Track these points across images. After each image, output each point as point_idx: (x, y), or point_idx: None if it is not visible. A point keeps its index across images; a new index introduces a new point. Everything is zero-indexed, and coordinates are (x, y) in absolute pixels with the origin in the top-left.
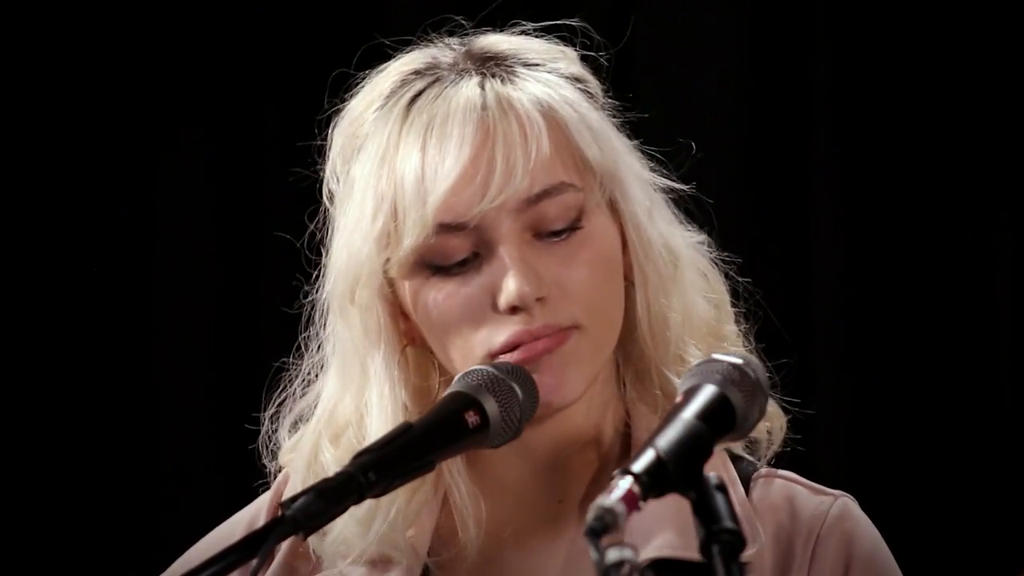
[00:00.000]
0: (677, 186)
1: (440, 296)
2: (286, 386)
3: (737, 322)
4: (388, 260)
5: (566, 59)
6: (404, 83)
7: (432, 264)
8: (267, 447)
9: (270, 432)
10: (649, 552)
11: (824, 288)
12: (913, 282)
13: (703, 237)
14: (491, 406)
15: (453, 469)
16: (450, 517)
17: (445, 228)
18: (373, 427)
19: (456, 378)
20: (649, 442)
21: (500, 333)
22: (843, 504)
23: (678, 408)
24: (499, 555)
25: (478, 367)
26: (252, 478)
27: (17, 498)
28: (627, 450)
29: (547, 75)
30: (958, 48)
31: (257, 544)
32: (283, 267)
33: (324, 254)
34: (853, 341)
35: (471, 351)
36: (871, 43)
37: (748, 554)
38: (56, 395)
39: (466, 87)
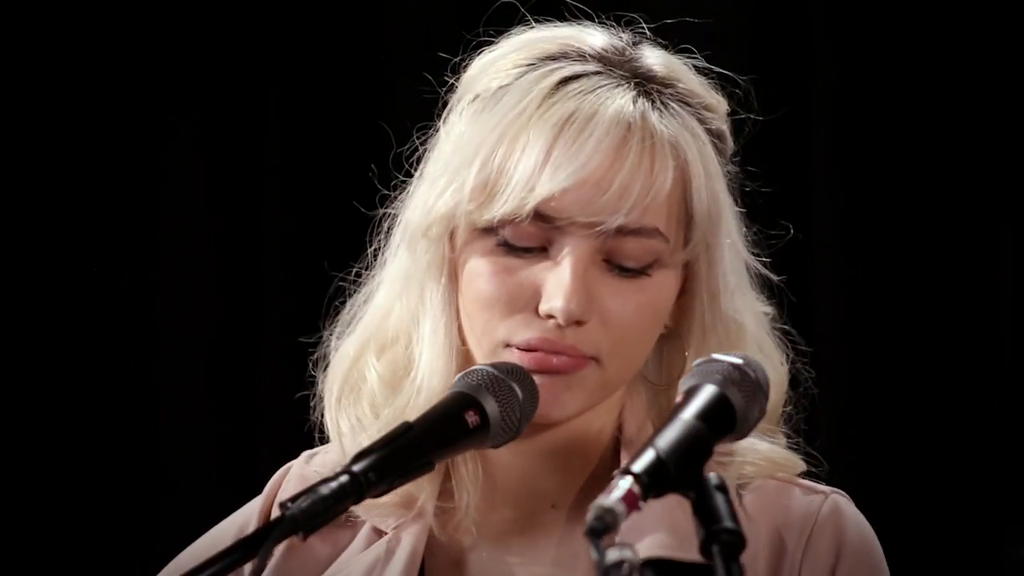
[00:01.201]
0: (768, 273)
1: (493, 268)
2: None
3: (786, 404)
4: (469, 212)
5: (715, 111)
6: (566, 56)
7: (503, 236)
8: (321, 367)
9: (325, 352)
10: (640, 552)
11: (824, 295)
12: (912, 286)
13: (770, 311)
14: (491, 406)
15: None
16: (449, 489)
17: (536, 216)
18: (424, 360)
19: (456, 378)
20: (649, 442)
21: (527, 331)
22: (835, 501)
23: (678, 408)
24: (491, 552)
25: (478, 367)
26: (252, 477)
27: (17, 498)
28: (617, 455)
29: (694, 121)
30: (958, 48)
31: (257, 544)
32: (283, 265)
33: (414, 175)
34: (853, 349)
35: (492, 332)
36: (871, 44)
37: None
38: (56, 395)
39: (621, 97)
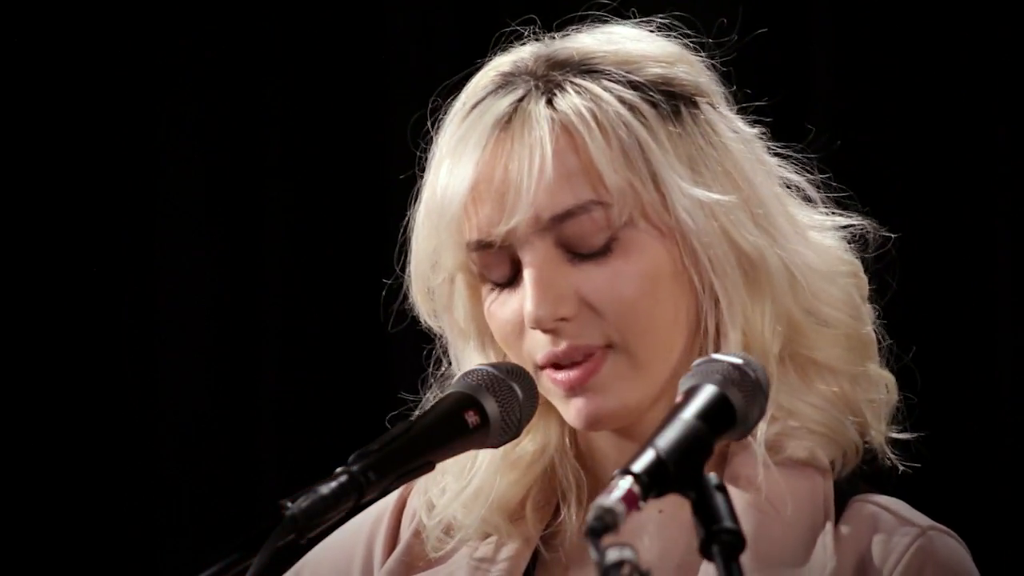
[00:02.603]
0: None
1: (493, 305)
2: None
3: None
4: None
5: (657, 59)
6: (490, 84)
7: (485, 277)
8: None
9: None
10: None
11: None
12: (912, 284)
13: (840, 228)
14: (491, 406)
15: (561, 449)
16: (555, 494)
17: (478, 245)
18: None
19: (456, 378)
20: (649, 442)
21: (536, 351)
22: (928, 539)
23: (678, 408)
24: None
25: (478, 367)
26: (251, 478)
27: (17, 498)
28: None
29: (600, 86)
30: (958, 45)
31: (257, 544)
32: (283, 264)
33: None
34: None
35: (524, 362)
36: (871, 42)
37: None
38: (56, 395)
39: (503, 101)
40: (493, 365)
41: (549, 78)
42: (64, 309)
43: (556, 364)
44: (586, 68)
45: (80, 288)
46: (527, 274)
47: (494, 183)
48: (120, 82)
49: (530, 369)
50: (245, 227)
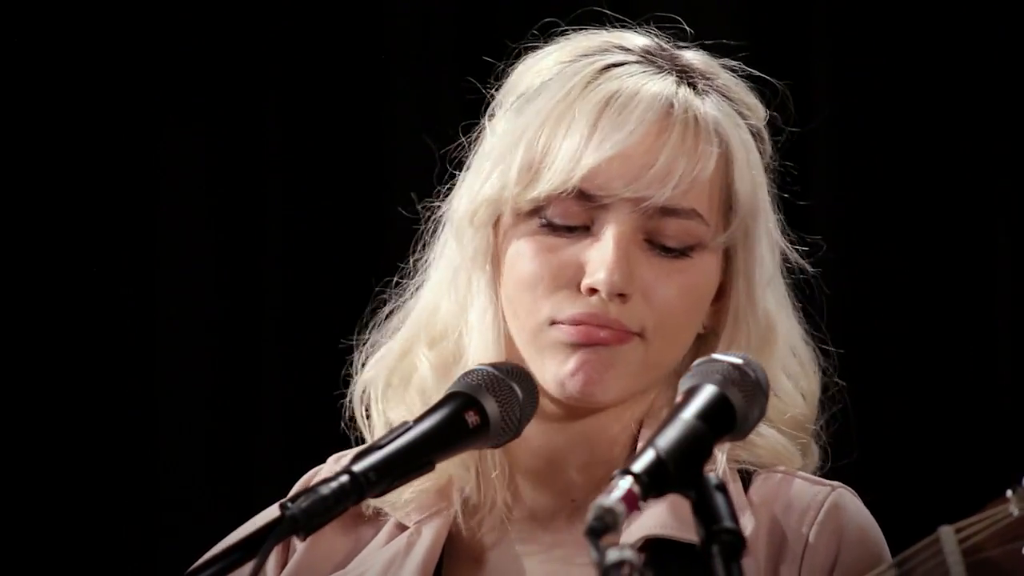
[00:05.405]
0: (804, 266)
1: (537, 248)
2: (385, 311)
3: (818, 419)
4: (515, 195)
5: (754, 113)
6: (606, 51)
7: (546, 216)
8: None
9: (363, 356)
10: (640, 531)
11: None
12: (911, 287)
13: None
14: (491, 406)
15: None
16: (477, 483)
17: (580, 193)
18: (473, 347)
19: (456, 378)
20: (649, 442)
21: (572, 306)
22: (839, 495)
23: (678, 408)
24: (511, 536)
25: (478, 367)
26: (251, 477)
27: (17, 499)
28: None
29: (735, 112)
30: (957, 50)
31: (257, 544)
32: (284, 264)
33: (460, 172)
34: (851, 348)
35: (536, 312)
36: (870, 47)
37: None
38: (55, 395)
39: (663, 80)
40: (493, 365)
41: (689, 79)
42: (64, 309)
43: (583, 323)
44: (717, 89)
45: (80, 288)
46: (612, 240)
47: (646, 153)
48: (121, 82)
49: (540, 320)
50: (246, 227)
